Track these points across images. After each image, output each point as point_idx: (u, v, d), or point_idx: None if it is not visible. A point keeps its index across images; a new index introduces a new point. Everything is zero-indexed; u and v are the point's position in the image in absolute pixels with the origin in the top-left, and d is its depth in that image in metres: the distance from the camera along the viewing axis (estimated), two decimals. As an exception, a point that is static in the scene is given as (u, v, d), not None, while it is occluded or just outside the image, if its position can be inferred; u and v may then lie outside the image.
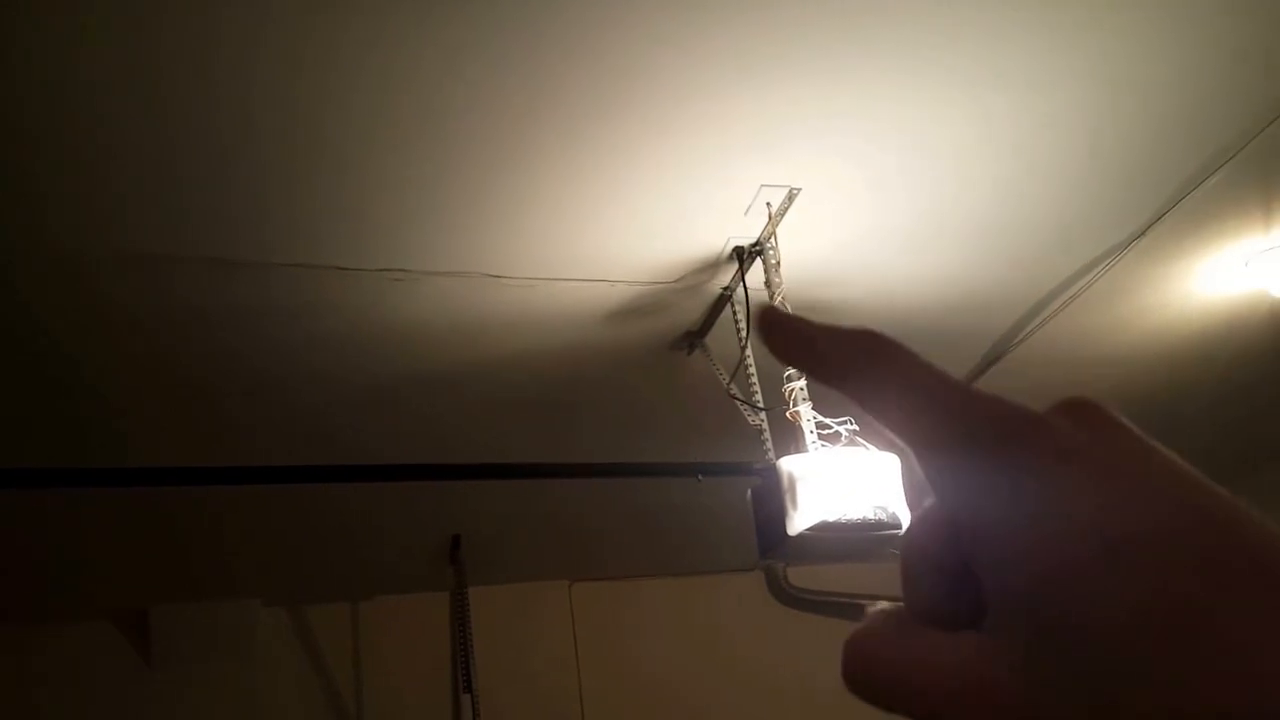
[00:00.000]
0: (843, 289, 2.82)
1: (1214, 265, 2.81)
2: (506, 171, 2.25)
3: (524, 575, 4.50)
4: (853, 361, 0.31)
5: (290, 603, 4.33)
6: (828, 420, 2.52)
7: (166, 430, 3.05)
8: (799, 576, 4.66)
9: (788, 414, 2.53)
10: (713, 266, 2.70)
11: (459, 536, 3.98)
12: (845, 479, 2.43)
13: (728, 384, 2.75)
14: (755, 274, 2.66)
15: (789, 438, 2.55)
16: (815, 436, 2.50)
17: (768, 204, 2.49)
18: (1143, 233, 2.63)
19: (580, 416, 3.30)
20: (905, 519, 2.43)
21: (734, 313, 2.77)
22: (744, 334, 2.69)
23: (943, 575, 0.30)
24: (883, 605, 0.32)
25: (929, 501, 0.31)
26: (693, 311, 2.89)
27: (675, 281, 2.73)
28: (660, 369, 3.11)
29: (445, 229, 2.42)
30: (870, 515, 2.42)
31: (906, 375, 0.30)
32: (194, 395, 2.91)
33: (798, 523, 2.42)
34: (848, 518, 2.41)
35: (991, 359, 3.17)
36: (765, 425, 2.70)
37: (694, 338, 2.98)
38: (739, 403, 2.72)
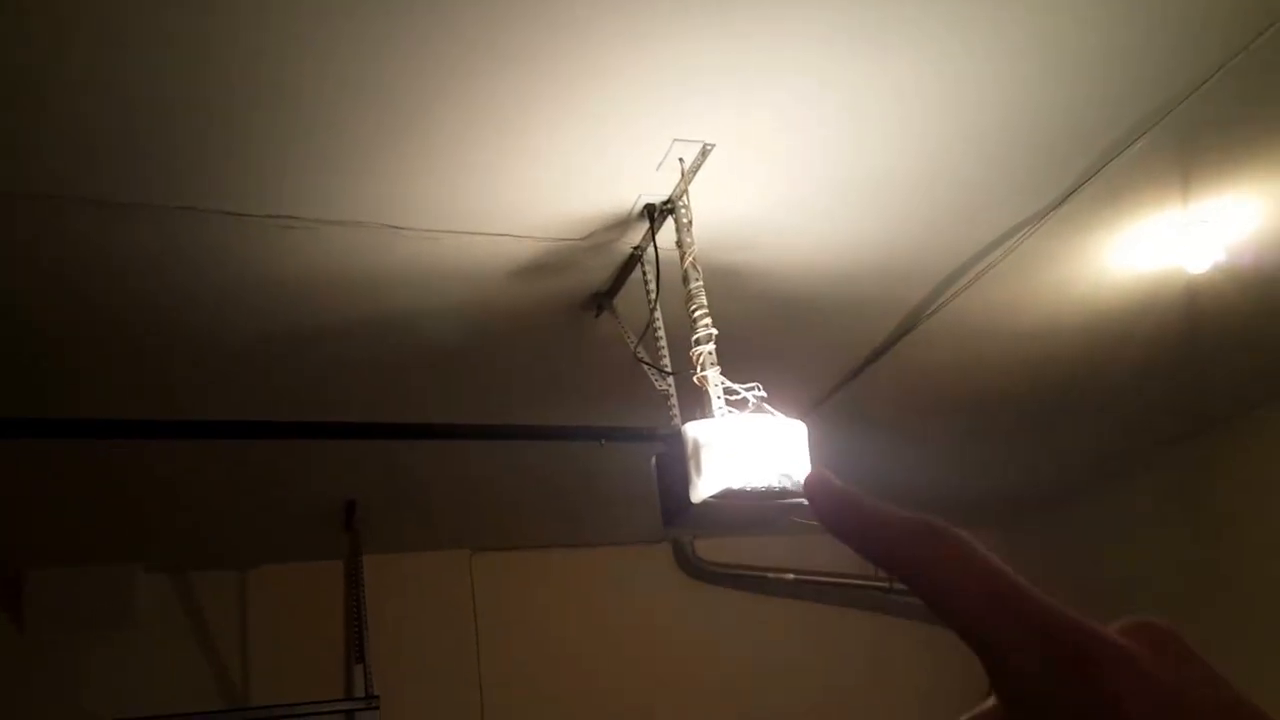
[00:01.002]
0: (756, 253, 2.74)
1: (1131, 239, 2.79)
2: (407, 118, 2.11)
3: (423, 544, 4.36)
4: (916, 557, 0.30)
5: (173, 569, 4.12)
6: (735, 386, 2.44)
7: (59, 380, 2.84)
8: (707, 549, 4.61)
9: (695, 378, 2.45)
10: (623, 224, 2.59)
11: (354, 502, 3.82)
12: (751, 446, 2.35)
13: (635, 346, 2.65)
14: (667, 234, 2.56)
15: (697, 404, 2.47)
16: (722, 402, 2.42)
17: (680, 159, 2.39)
18: (1061, 202, 2.60)
19: (483, 378, 3.16)
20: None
21: (644, 273, 2.67)
22: (653, 295, 2.59)
23: None
24: None
25: (988, 702, 0.30)
26: (601, 271, 2.78)
27: (583, 239, 2.61)
28: (567, 331, 3.00)
29: (341, 175, 2.26)
30: (775, 483, 2.35)
31: (974, 576, 0.29)
32: (90, 343, 2.72)
33: (701, 489, 2.34)
34: (753, 485, 2.33)
35: (906, 328, 3.13)
36: (672, 390, 2.61)
37: (602, 299, 2.87)
38: (646, 366, 2.62)
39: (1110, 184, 2.56)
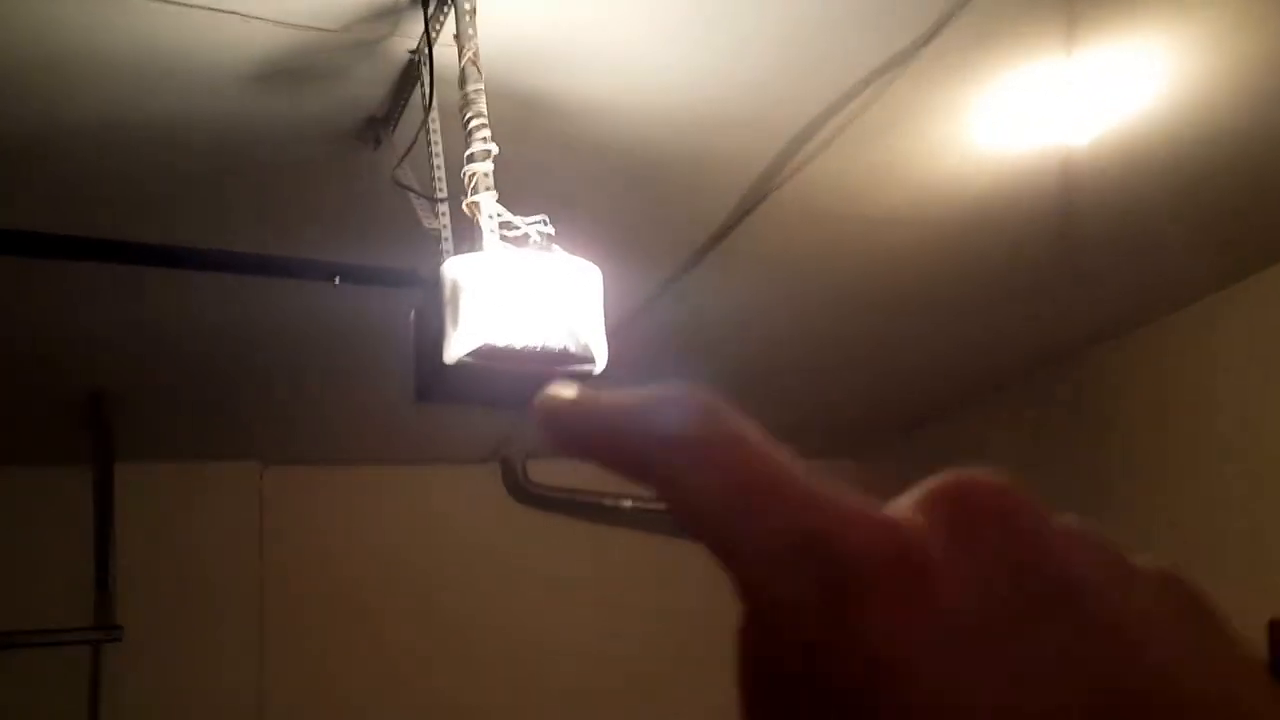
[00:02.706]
0: (565, 77, 2.22)
1: (1006, 100, 2.36)
2: None
3: (201, 453, 3.74)
4: (651, 445, 0.20)
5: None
6: (515, 219, 1.92)
7: None
8: (539, 471, 4.09)
9: (465, 205, 1.92)
10: (392, 15, 2.04)
11: (100, 394, 3.17)
12: (526, 291, 1.84)
13: (395, 167, 2.11)
14: (451, 32, 2.03)
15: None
16: (498, 236, 1.91)
17: (461, -82, 1.85)
18: (930, 37, 2.14)
19: (229, 217, 2.56)
20: (601, 352, 1.87)
21: (420, 79, 2.12)
22: (428, 99, 2.04)
23: None
24: None
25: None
26: (375, 86, 2.23)
27: (340, 30, 2.05)
28: (339, 165, 2.44)
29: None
30: (554, 344, 1.84)
31: (720, 464, 0.19)
32: None
33: (455, 346, 1.81)
34: (524, 344, 1.82)
35: (749, 205, 2.65)
36: (447, 229, 2.09)
37: (379, 125, 2.32)
38: (411, 195, 2.08)
39: (986, 19, 2.11)
